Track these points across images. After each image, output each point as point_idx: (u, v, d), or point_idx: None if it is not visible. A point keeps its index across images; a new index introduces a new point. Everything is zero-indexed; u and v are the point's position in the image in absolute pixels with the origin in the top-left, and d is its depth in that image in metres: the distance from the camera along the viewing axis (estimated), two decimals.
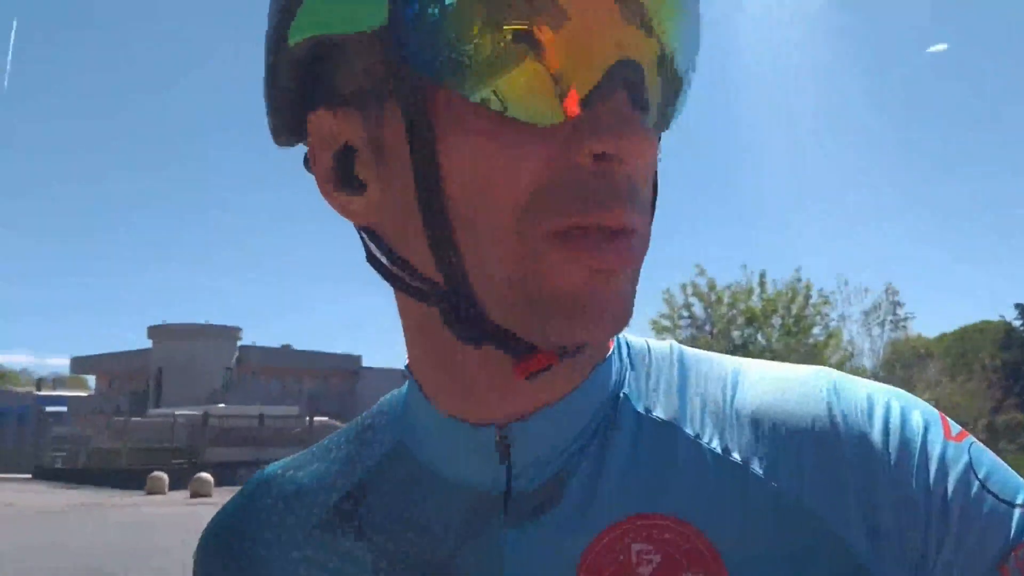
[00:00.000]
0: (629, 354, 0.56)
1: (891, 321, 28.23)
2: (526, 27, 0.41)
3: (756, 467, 0.48)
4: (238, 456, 24.27)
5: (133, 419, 26.97)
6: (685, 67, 0.45)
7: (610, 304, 0.44)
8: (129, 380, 41.42)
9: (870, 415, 0.49)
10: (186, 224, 76.47)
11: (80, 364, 45.44)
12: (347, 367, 42.73)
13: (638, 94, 0.43)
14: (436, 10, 0.41)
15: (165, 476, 20.29)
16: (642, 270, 0.47)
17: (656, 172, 0.48)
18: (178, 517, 14.52)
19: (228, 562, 0.57)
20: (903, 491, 0.46)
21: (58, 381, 56.40)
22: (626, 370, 0.54)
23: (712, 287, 24.95)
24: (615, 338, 0.55)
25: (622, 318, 0.45)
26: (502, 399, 0.50)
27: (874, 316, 27.92)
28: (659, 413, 0.52)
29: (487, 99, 0.41)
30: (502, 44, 0.41)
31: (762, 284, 24.76)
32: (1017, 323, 34.90)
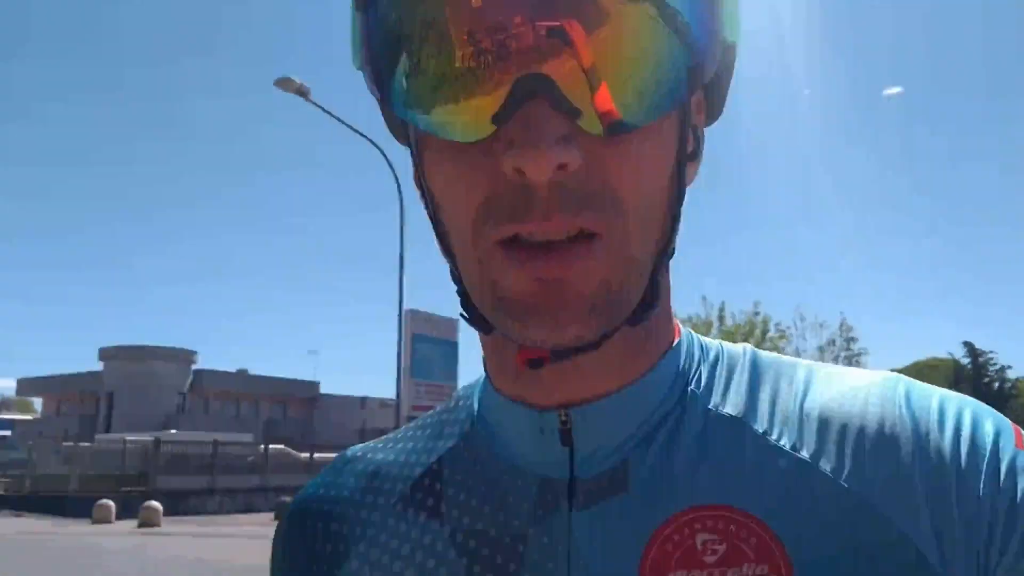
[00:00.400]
0: (701, 353, 0.57)
1: (845, 356, 28.67)
2: (443, 59, 0.44)
3: (824, 465, 0.49)
4: (190, 484, 23.70)
5: (81, 444, 26.20)
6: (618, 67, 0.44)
7: (561, 310, 0.45)
8: (78, 403, 40.40)
9: (941, 420, 0.50)
10: (142, 243, 75.27)
11: (27, 386, 44.24)
12: (304, 393, 42.18)
13: (557, 103, 0.43)
14: (371, 54, 0.48)
15: (112, 504, 19.71)
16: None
17: (668, 166, 0.48)
18: (119, 549, 14.14)
19: (311, 537, 0.59)
20: (971, 495, 0.46)
21: (3, 403, 54.76)
22: (698, 367, 0.56)
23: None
24: (685, 334, 0.58)
25: (586, 320, 0.46)
26: (560, 384, 0.52)
27: (829, 351, 28.33)
28: (728, 409, 0.53)
29: (428, 127, 0.47)
30: (427, 77, 0.45)
31: (721, 317, 25.05)
32: (965, 361, 35.67)
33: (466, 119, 0.45)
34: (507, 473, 0.55)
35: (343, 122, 14.91)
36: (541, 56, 0.43)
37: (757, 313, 25.24)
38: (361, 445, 0.66)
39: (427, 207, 0.52)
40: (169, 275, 75.38)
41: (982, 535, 0.46)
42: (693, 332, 0.59)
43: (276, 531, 0.63)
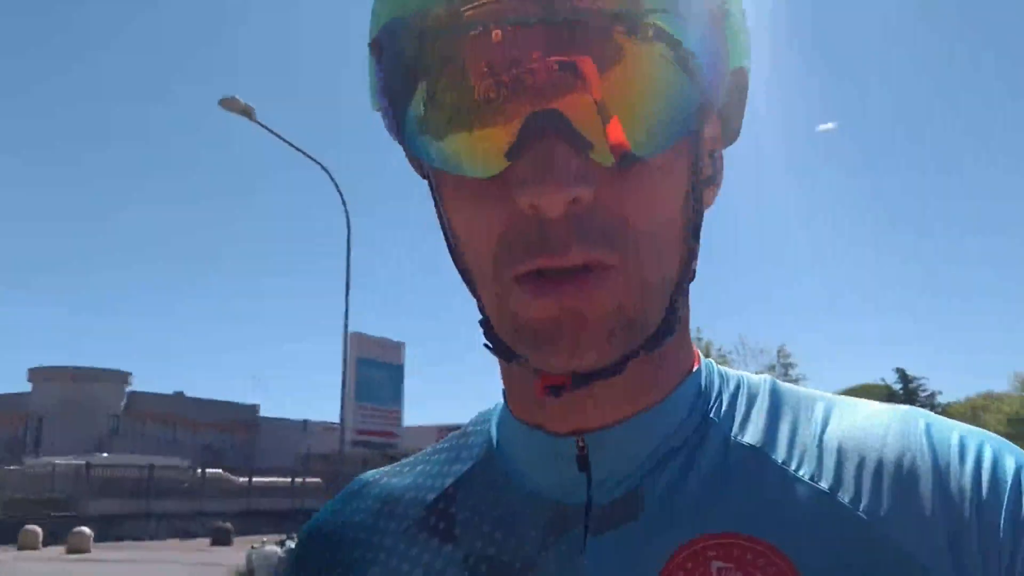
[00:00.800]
0: (721, 382, 0.58)
1: (784, 381, 29.21)
2: (458, 94, 0.45)
3: (843, 496, 0.49)
4: (123, 509, 23.01)
5: (7, 468, 25.24)
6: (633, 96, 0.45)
7: (580, 335, 0.46)
8: (4, 426, 38.93)
9: (961, 454, 0.50)
10: (75, 258, 73.20)
11: None
12: (243, 417, 41.35)
13: (569, 137, 0.44)
14: (387, 92, 0.49)
15: (39, 530, 19.00)
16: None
17: (681, 194, 0.49)
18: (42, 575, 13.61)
19: (322, 562, 0.60)
20: (992, 528, 0.47)
21: None
22: (718, 395, 0.56)
23: None
24: (705, 362, 0.59)
25: (604, 345, 0.46)
26: (576, 411, 0.52)
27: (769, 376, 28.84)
28: (747, 438, 0.53)
29: (441, 163, 0.48)
30: (442, 111, 0.46)
31: None
32: (898, 387, 36.69)
33: (480, 154, 0.46)
34: (522, 498, 0.55)
35: (291, 144, 14.78)
36: (555, 91, 0.44)
37: (699, 338, 25.66)
38: (376, 470, 0.66)
39: (447, 240, 0.53)
40: (103, 294, 73.37)
41: (1002, 567, 0.46)
42: (714, 362, 0.60)
43: (288, 555, 0.65)
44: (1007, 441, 0.52)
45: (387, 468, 0.66)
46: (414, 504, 0.59)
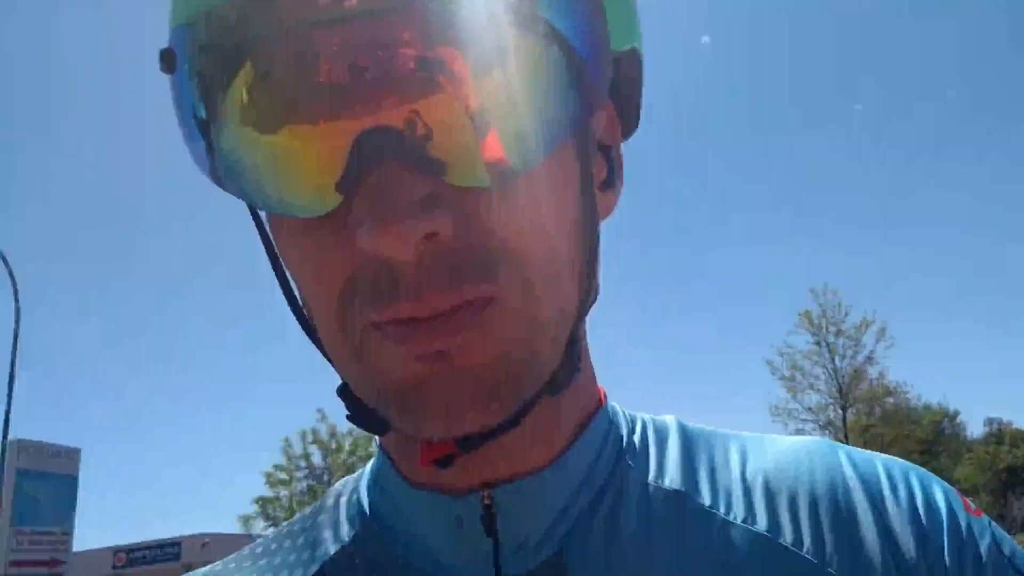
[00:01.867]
0: (627, 422, 0.53)
1: None
2: (272, 132, 0.38)
3: (784, 539, 0.46)
4: None
5: None
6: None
7: (452, 394, 0.39)
8: None
9: (892, 487, 0.49)
10: None
11: None
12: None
13: (412, 161, 0.36)
14: (184, 117, 0.40)
15: None
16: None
17: (571, 204, 0.42)
18: None
19: None
20: (934, 560, 0.46)
21: None
22: (629, 436, 0.51)
23: (333, 433, 23.34)
24: (609, 408, 0.52)
25: (486, 403, 0.39)
26: (479, 462, 0.44)
27: None
28: (668, 483, 0.49)
29: (263, 203, 0.40)
30: (259, 153, 0.38)
31: None
32: None
33: (308, 189, 0.38)
34: None
35: None
36: (417, 89, 0.36)
37: None
38: (205, 568, 0.52)
39: (284, 288, 0.45)
40: None
41: None
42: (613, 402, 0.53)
43: None
44: (921, 468, 0.51)
45: (215, 566, 0.52)
46: None
